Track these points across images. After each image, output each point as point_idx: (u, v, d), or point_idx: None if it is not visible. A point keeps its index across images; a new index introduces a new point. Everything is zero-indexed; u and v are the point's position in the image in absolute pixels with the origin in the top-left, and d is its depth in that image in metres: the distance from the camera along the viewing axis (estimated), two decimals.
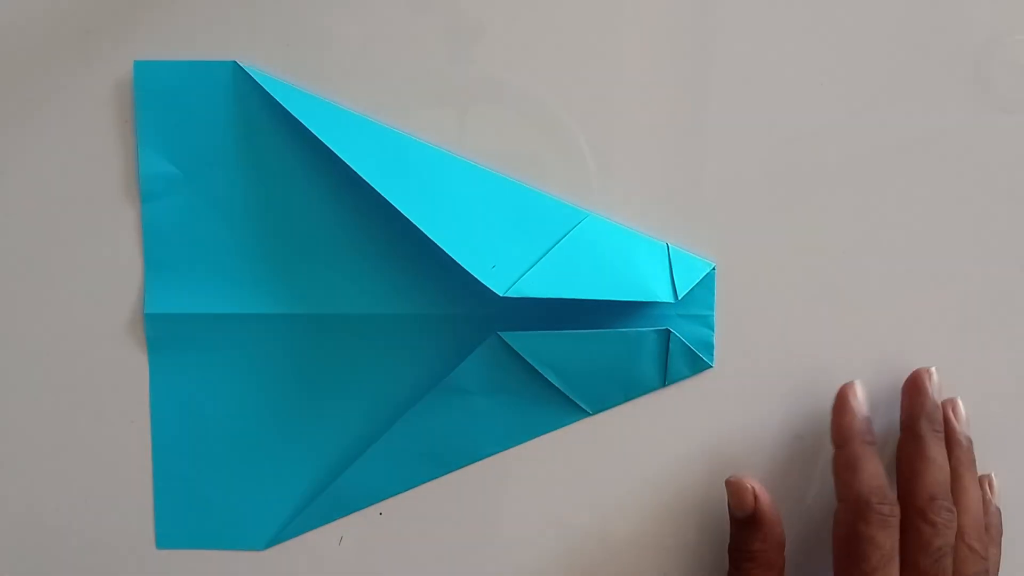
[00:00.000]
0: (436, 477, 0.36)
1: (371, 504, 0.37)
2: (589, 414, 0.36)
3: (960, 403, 0.35)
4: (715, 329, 0.36)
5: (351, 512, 0.37)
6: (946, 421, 0.35)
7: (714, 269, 0.36)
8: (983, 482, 0.35)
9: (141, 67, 0.35)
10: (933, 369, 0.35)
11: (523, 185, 0.35)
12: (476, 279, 0.33)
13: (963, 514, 0.33)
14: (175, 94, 0.35)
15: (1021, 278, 0.36)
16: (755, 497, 0.34)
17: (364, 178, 0.34)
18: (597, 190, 0.36)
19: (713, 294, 0.36)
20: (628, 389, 0.36)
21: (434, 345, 0.36)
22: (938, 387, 0.35)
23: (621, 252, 0.35)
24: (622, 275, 0.34)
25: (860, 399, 0.34)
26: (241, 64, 0.35)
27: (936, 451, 0.33)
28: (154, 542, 0.37)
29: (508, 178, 0.35)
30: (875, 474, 0.33)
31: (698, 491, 0.37)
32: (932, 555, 0.32)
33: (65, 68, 0.36)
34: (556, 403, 0.36)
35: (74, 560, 0.37)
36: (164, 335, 0.36)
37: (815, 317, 0.36)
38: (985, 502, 0.35)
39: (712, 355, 0.36)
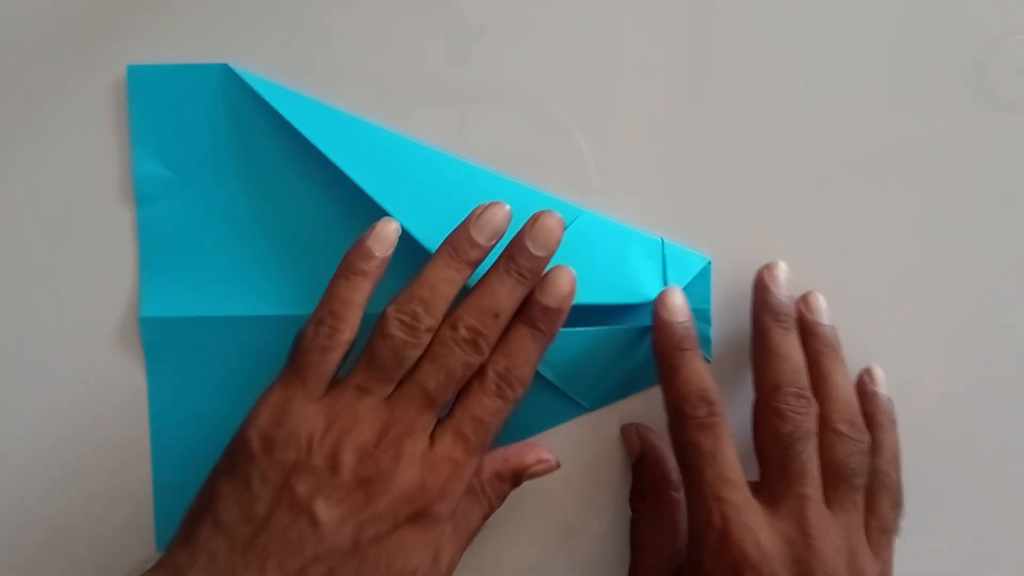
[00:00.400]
0: None
1: None
2: (587, 410, 0.36)
3: (815, 295, 0.34)
4: (713, 323, 0.36)
5: None
6: (799, 314, 0.34)
7: (710, 263, 0.36)
8: (865, 374, 0.35)
9: (134, 71, 0.35)
10: (780, 264, 0.34)
11: (520, 183, 0.35)
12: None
13: (825, 401, 0.32)
14: (168, 97, 0.35)
15: (1021, 277, 0.36)
16: (639, 438, 0.34)
17: (353, 179, 0.34)
18: (597, 190, 0.36)
19: (710, 288, 0.36)
20: (626, 385, 0.36)
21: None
22: (784, 282, 0.34)
23: (616, 249, 0.35)
24: (617, 273, 0.35)
25: (676, 305, 0.33)
26: (233, 67, 0.35)
27: (780, 342, 0.32)
28: (154, 542, 0.37)
29: (505, 176, 0.35)
30: (688, 379, 0.31)
31: None
32: (782, 443, 0.31)
33: (59, 72, 0.36)
34: (554, 399, 0.36)
35: (74, 560, 0.37)
36: (160, 338, 0.36)
37: None
38: (866, 392, 0.34)
39: (710, 349, 0.36)
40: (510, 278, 0.31)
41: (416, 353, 0.30)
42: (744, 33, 0.35)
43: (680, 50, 0.36)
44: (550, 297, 0.31)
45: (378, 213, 0.35)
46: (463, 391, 0.31)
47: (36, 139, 0.36)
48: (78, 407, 0.37)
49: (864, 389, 0.34)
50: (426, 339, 0.30)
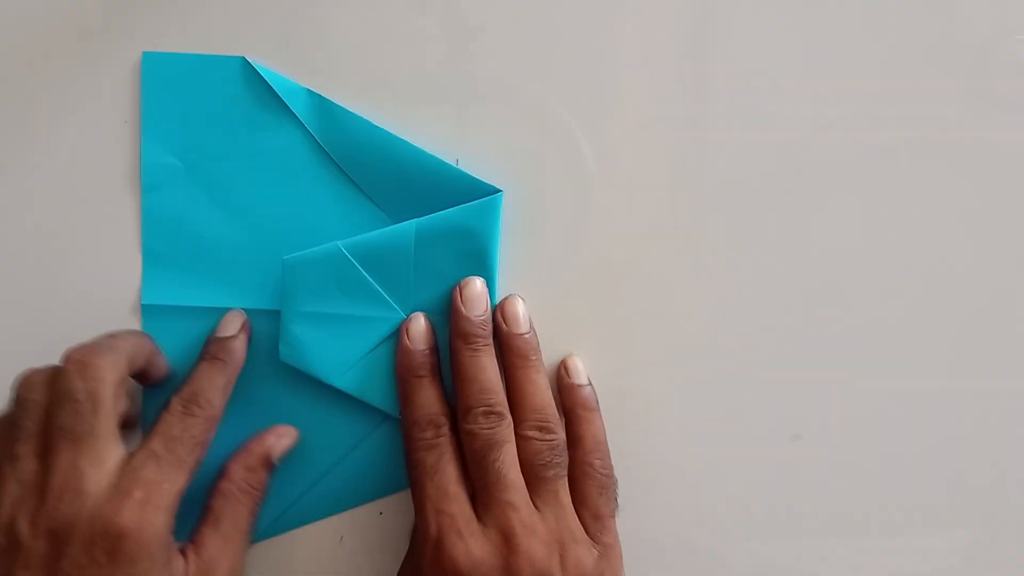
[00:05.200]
0: None
1: (365, 501, 0.37)
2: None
3: (512, 302, 0.35)
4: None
5: (345, 509, 0.37)
6: (496, 325, 0.35)
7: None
8: (561, 367, 0.36)
9: (149, 58, 0.35)
10: (473, 282, 0.34)
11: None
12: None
13: (517, 410, 0.34)
14: (182, 86, 0.35)
15: (1021, 277, 0.36)
16: None
17: (357, 183, 0.35)
18: (597, 190, 0.36)
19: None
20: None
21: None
22: (475, 300, 0.34)
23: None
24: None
25: (417, 333, 0.34)
26: (251, 60, 0.35)
27: (469, 364, 0.34)
28: None
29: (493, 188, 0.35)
30: (419, 405, 0.34)
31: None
32: (477, 456, 0.32)
33: (72, 58, 0.36)
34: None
35: None
36: (160, 326, 0.36)
37: (817, 318, 0.36)
38: (563, 386, 0.35)
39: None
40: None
41: (36, 396, 0.30)
42: (744, 33, 0.35)
43: (680, 50, 0.36)
44: (222, 331, 0.35)
45: (378, 213, 0.35)
46: (155, 420, 0.32)
47: (46, 124, 0.36)
48: None
49: (561, 383, 0.35)
50: (41, 383, 0.31)
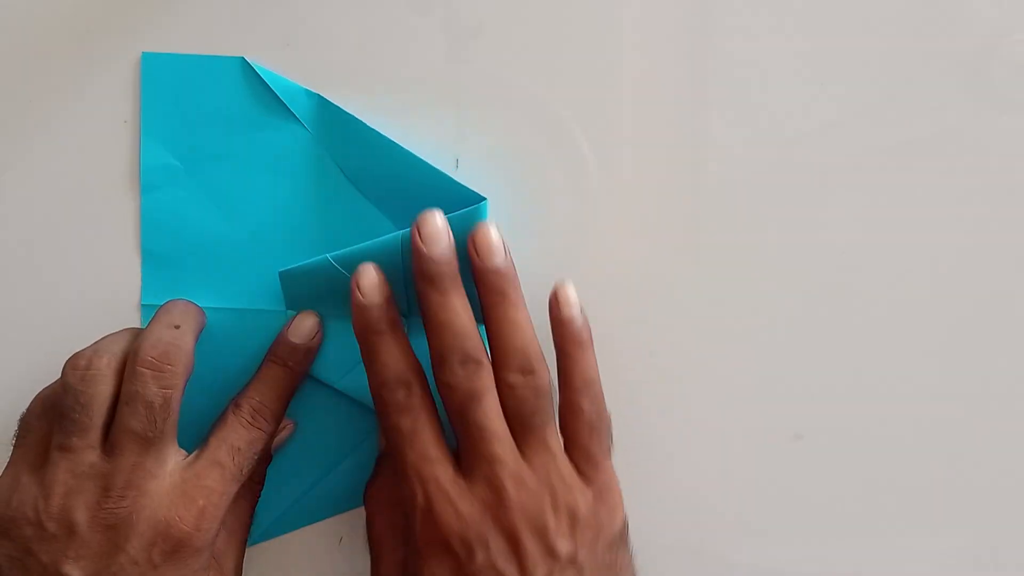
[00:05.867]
0: None
1: (361, 504, 0.37)
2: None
3: (483, 230, 0.31)
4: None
5: (345, 510, 0.37)
6: (472, 261, 0.31)
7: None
8: (552, 298, 0.32)
9: (149, 59, 0.35)
10: (430, 216, 0.31)
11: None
12: None
13: (496, 353, 0.31)
14: (181, 87, 0.35)
15: (1022, 277, 0.36)
16: None
17: (353, 183, 0.35)
18: (597, 190, 0.36)
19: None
20: None
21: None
22: (435, 236, 0.31)
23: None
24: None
25: (369, 287, 0.31)
26: (250, 61, 0.35)
27: (438, 309, 0.30)
28: None
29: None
30: (385, 364, 0.31)
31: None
32: (456, 411, 0.30)
33: (71, 57, 0.36)
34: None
35: None
36: None
37: (817, 318, 0.36)
38: (553, 319, 0.32)
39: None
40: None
41: (100, 390, 0.30)
42: (744, 33, 0.35)
43: (681, 49, 0.36)
44: (296, 336, 0.34)
45: (377, 214, 0.35)
46: (218, 422, 0.32)
47: (45, 124, 0.36)
48: None
49: (551, 315, 0.32)
50: (105, 375, 0.30)
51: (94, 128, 0.36)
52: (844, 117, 0.36)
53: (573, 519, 0.30)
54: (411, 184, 0.35)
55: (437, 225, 0.31)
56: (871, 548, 0.37)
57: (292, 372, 0.34)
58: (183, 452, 0.31)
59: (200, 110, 0.35)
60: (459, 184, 0.34)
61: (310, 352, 0.34)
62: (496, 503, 0.30)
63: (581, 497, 0.31)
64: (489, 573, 0.29)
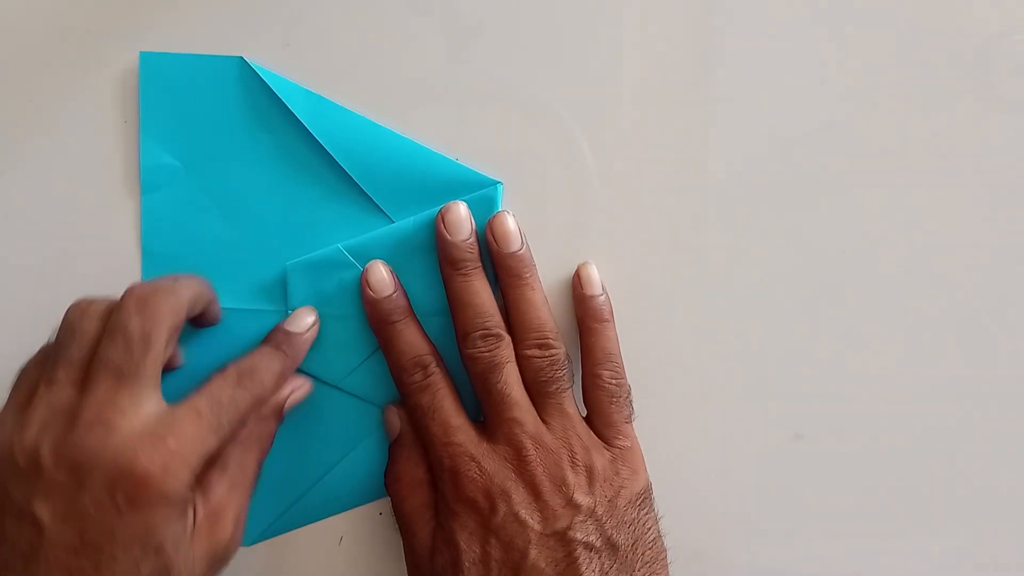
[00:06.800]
0: None
1: (365, 502, 0.37)
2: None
3: (501, 218, 0.35)
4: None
5: (345, 509, 0.37)
6: (489, 245, 0.34)
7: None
8: (575, 277, 0.35)
9: (147, 58, 0.35)
10: (456, 207, 0.34)
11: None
12: None
13: (516, 329, 0.34)
14: (180, 87, 0.35)
15: (1021, 277, 0.36)
16: (400, 417, 0.35)
17: (358, 181, 0.35)
18: (597, 190, 0.36)
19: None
20: None
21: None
22: (458, 224, 0.34)
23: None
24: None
25: (379, 281, 0.34)
26: (248, 60, 0.35)
27: (461, 290, 0.34)
28: None
29: (494, 179, 0.36)
30: (402, 351, 0.34)
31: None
32: (480, 380, 0.33)
33: (71, 58, 0.36)
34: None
35: None
36: None
37: (817, 318, 0.36)
38: (576, 296, 0.35)
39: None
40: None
41: (92, 326, 0.30)
42: (745, 33, 0.35)
43: (681, 49, 0.36)
44: (293, 326, 0.34)
45: (378, 211, 0.35)
46: (205, 381, 0.31)
47: (44, 124, 0.36)
48: None
49: (574, 292, 0.36)
50: (101, 315, 0.30)
51: (94, 128, 0.36)
52: (844, 117, 0.36)
53: (591, 475, 0.33)
54: (420, 174, 0.35)
55: (461, 214, 0.34)
56: (871, 548, 0.37)
57: (285, 356, 0.34)
58: (164, 402, 0.30)
59: (199, 110, 0.35)
60: (469, 170, 0.35)
61: (304, 343, 0.34)
62: (517, 460, 0.33)
63: (599, 456, 0.33)
64: (513, 522, 0.32)
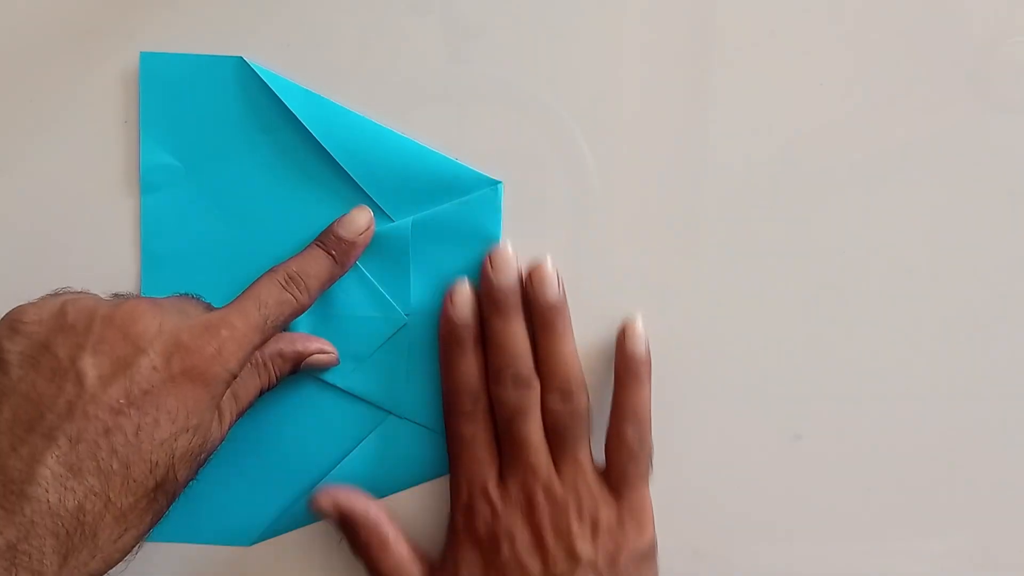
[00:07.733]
0: (430, 479, 0.36)
1: None
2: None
3: (542, 266, 0.35)
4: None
5: None
6: (524, 289, 0.35)
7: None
8: (620, 331, 0.35)
9: (147, 58, 0.35)
10: (501, 249, 0.35)
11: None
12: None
13: (544, 377, 0.34)
14: (180, 87, 0.35)
15: (1021, 277, 0.36)
16: (332, 506, 0.34)
17: (358, 181, 0.35)
18: (597, 190, 0.36)
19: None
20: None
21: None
22: (505, 265, 0.34)
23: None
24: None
25: (463, 303, 0.34)
26: (248, 60, 0.35)
27: (499, 331, 0.34)
28: None
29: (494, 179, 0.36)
30: (462, 373, 0.34)
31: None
32: (504, 421, 0.34)
33: (71, 58, 0.36)
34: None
35: None
36: None
37: (817, 318, 0.36)
38: (617, 349, 0.35)
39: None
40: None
41: None
42: (745, 34, 0.35)
43: (681, 49, 0.36)
44: (345, 230, 0.34)
45: (378, 212, 0.35)
46: (253, 283, 0.32)
47: (44, 124, 0.36)
48: None
49: (618, 344, 0.35)
50: None
51: (94, 128, 0.36)
52: (844, 117, 0.36)
53: (595, 527, 0.33)
54: (420, 174, 0.35)
55: (507, 256, 0.34)
56: (871, 548, 0.37)
57: (333, 261, 0.34)
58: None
59: (200, 110, 0.35)
60: (469, 169, 0.35)
61: (355, 247, 0.34)
62: (527, 505, 0.33)
63: (605, 509, 0.34)
64: (514, 565, 0.33)
